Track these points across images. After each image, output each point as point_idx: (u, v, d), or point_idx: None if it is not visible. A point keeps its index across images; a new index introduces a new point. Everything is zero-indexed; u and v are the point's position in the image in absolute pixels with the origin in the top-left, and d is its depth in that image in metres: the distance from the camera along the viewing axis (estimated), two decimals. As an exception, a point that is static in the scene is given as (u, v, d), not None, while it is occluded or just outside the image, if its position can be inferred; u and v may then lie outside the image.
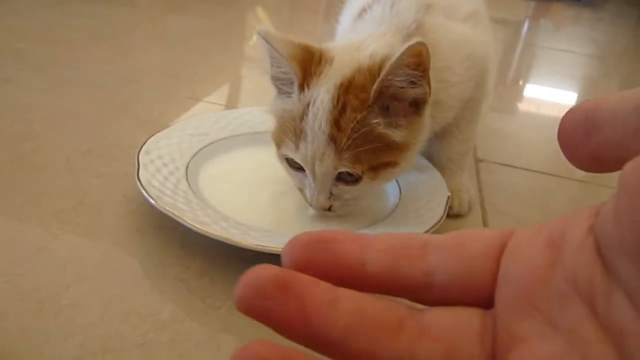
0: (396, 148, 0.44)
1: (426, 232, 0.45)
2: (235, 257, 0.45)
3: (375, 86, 0.42)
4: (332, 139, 0.43)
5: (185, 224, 0.42)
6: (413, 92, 0.43)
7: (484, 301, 0.22)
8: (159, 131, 0.56)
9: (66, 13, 1.18)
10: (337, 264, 0.23)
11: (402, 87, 0.42)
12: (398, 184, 0.56)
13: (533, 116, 1.01)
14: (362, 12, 0.57)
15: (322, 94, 0.44)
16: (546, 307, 0.20)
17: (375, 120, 0.43)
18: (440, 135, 0.59)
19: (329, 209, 0.48)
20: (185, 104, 0.78)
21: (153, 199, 0.45)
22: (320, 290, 0.22)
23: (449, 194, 0.52)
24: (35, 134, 0.63)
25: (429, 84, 0.43)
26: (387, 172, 0.46)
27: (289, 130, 0.45)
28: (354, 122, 0.42)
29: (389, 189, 0.56)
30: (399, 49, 0.41)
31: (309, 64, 0.45)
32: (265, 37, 0.43)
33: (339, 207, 0.48)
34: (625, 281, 0.18)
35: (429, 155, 0.60)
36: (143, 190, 0.46)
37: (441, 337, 0.22)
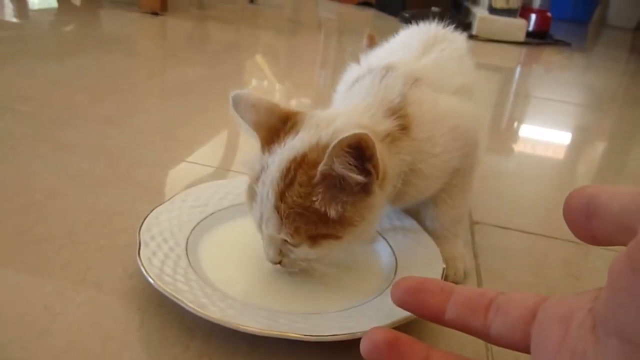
0: (337, 223, 0.46)
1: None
2: (234, 337, 0.45)
3: (319, 168, 0.44)
4: (276, 208, 0.46)
5: (184, 306, 0.43)
6: (356, 178, 0.44)
7: (520, 346, 0.32)
8: (159, 201, 0.58)
9: (68, 69, 1.22)
10: (424, 311, 0.36)
11: (344, 172, 0.43)
12: (394, 253, 0.57)
13: (528, 168, 1.03)
14: (355, 82, 0.59)
15: (276, 164, 0.46)
16: None
17: (317, 197, 0.44)
18: (433, 203, 0.60)
19: (280, 264, 0.50)
20: (186, 169, 0.80)
21: (153, 279, 0.46)
22: (418, 348, 0.34)
23: (444, 265, 0.53)
24: (39, 204, 0.64)
25: (375, 167, 0.44)
26: (328, 243, 0.47)
27: (250, 187, 0.49)
28: (298, 197, 0.45)
29: (384, 263, 0.57)
30: (339, 136, 0.42)
31: (278, 130, 0.49)
32: (234, 103, 0.49)
33: (289, 264, 0.50)
34: (610, 353, 0.24)
35: (424, 223, 0.61)
36: (144, 270, 0.47)
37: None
